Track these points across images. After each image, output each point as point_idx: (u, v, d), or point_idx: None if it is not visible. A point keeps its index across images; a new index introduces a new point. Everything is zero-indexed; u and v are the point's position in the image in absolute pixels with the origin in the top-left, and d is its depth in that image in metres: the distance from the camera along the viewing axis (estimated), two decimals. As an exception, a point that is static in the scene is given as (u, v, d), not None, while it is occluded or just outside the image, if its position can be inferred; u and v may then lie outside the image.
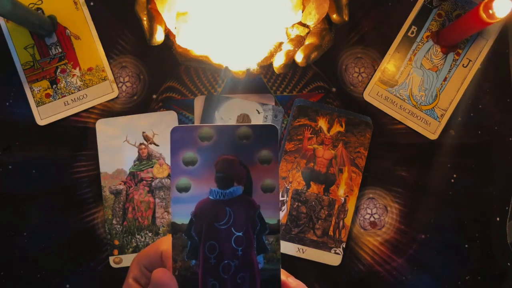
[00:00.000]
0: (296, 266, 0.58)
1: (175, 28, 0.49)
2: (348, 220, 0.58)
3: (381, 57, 0.60)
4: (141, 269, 0.32)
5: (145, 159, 0.59)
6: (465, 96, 0.59)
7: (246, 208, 0.30)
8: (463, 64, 0.59)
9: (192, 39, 0.49)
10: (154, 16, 0.49)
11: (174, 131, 0.29)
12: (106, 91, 0.59)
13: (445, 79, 0.59)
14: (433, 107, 0.59)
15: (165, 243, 0.31)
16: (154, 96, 0.60)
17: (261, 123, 0.30)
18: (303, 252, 0.57)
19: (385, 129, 0.60)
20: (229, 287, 0.29)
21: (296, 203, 0.58)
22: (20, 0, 0.54)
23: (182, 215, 0.29)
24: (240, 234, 0.30)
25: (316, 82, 0.60)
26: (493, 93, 0.59)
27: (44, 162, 0.59)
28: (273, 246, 0.30)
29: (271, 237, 0.30)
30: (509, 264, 0.58)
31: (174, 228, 0.29)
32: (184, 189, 0.29)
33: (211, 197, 0.29)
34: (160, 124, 0.59)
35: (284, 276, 0.30)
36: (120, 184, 0.58)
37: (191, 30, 0.48)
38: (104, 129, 0.59)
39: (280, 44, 0.51)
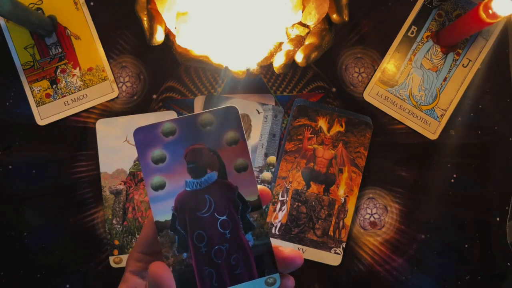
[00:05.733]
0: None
1: (175, 28, 0.49)
2: (348, 220, 0.58)
3: (381, 57, 0.60)
4: (139, 260, 0.32)
5: (145, 159, 0.59)
6: (465, 96, 0.59)
7: (225, 191, 0.30)
8: (463, 64, 0.59)
9: (192, 39, 0.49)
10: (154, 16, 0.49)
11: (136, 132, 0.29)
12: (106, 91, 0.59)
13: (445, 79, 0.59)
14: (433, 107, 0.59)
15: (151, 216, 0.32)
16: (154, 96, 0.60)
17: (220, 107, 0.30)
18: (303, 252, 0.57)
19: (385, 129, 0.60)
20: (225, 271, 0.29)
21: (296, 203, 0.58)
22: (20, 0, 0.54)
23: (163, 212, 0.29)
24: (224, 217, 0.30)
25: (316, 82, 0.60)
26: (493, 93, 0.59)
27: (44, 162, 0.59)
28: (258, 221, 0.30)
29: (255, 213, 0.30)
30: (509, 264, 0.58)
31: (158, 227, 0.29)
32: (159, 187, 0.29)
33: (188, 189, 0.30)
34: (160, 124, 0.59)
35: (275, 248, 0.30)
36: (120, 184, 0.58)
37: (191, 30, 0.48)
38: (104, 129, 0.59)
39: (280, 44, 0.51)
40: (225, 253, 0.30)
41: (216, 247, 0.30)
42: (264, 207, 0.31)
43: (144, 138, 0.30)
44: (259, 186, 0.30)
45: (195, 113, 0.30)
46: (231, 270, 0.29)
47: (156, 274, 0.28)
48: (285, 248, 0.30)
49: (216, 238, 0.30)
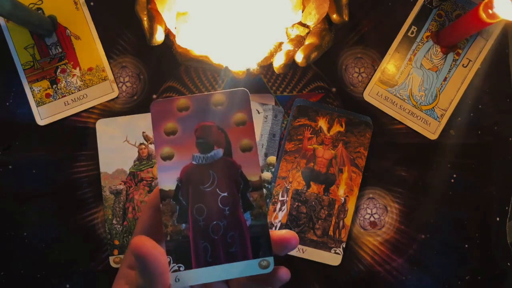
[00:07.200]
0: (296, 266, 0.58)
1: (175, 28, 0.49)
2: (348, 220, 0.58)
3: (381, 57, 0.60)
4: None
5: (145, 159, 0.59)
6: (465, 96, 0.59)
7: (228, 169, 0.31)
8: (463, 64, 0.59)
9: (192, 39, 0.49)
10: (154, 16, 0.49)
11: (153, 105, 0.32)
12: (106, 91, 0.59)
13: (445, 79, 0.59)
14: (433, 107, 0.59)
15: (148, 201, 0.33)
16: (154, 96, 0.60)
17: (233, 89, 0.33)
18: (303, 252, 0.57)
19: (385, 129, 0.60)
20: (220, 247, 0.30)
21: (296, 203, 0.58)
22: (20, 0, 0.54)
23: (168, 181, 0.31)
24: (225, 194, 0.31)
25: (316, 82, 0.60)
26: (493, 93, 0.59)
27: (44, 162, 0.59)
28: (258, 202, 0.31)
29: (255, 193, 0.31)
30: (509, 264, 0.58)
31: (162, 195, 0.31)
32: (168, 157, 0.31)
33: (194, 162, 0.31)
34: (160, 124, 0.59)
35: (271, 230, 0.31)
36: (120, 184, 0.58)
37: (191, 30, 0.48)
38: (104, 129, 0.59)
39: (280, 44, 0.51)
40: (222, 229, 0.30)
41: (214, 222, 0.31)
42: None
43: (160, 110, 0.31)
44: (284, 231, 0.31)
45: (208, 92, 0.32)
46: (226, 247, 0.30)
47: (139, 246, 0.27)
48: (280, 230, 0.31)
49: (215, 213, 0.31)
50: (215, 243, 0.30)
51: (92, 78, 0.59)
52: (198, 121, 0.31)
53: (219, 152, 0.31)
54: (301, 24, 0.51)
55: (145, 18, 0.49)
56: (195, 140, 0.31)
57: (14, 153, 0.59)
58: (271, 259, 0.30)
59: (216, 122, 0.31)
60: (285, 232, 0.30)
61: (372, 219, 0.59)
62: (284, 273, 0.30)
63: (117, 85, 0.60)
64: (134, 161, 0.59)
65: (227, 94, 0.32)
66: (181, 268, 0.30)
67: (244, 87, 0.64)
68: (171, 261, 0.30)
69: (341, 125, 0.59)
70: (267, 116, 0.59)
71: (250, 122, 0.32)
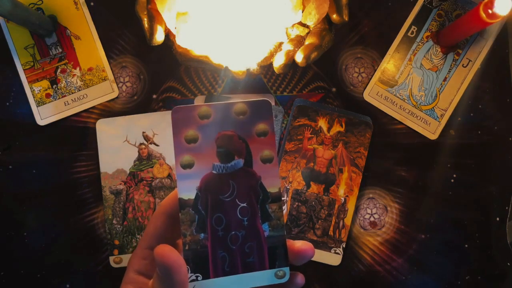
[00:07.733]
0: (296, 266, 0.58)
1: (175, 28, 0.49)
2: (348, 220, 0.58)
3: (381, 57, 0.60)
4: (145, 257, 0.32)
5: (145, 159, 0.59)
6: (465, 96, 0.59)
7: (248, 179, 0.31)
8: (463, 64, 0.59)
9: (192, 39, 0.49)
10: (154, 16, 0.49)
11: (174, 111, 0.31)
12: (106, 91, 0.59)
13: (445, 79, 0.59)
14: (433, 107, 0.59)
15: (159, 208, 0.33)
16: (154, 96, 0.60)
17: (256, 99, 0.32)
18: (303, 252, 0.57)
19: (385, 129, 0.60)
20: (238, 257, 0.30)
21: (296, 203, 0.58)
22: (20, 0, 0.54)
23: (188, 190, 0.30)
24: (244, 204, 0.31)
25: (316, 82, 0.60)
26: (493, 93, 0.59)
27: (44, 162, 0.59)
28: (276, 213, 0.31)
29: (274, 205, 0.31)
30: (509, 264, 0.58)
31: (181, 204, 0.30)
32: (188, 165, 0.31)
33: (214, 172, 0.31)
34: (160, 124, 0.59)
35: (287, 240, 0.31)
36: (120, 184, 0.58)
37: (191, 30, 0.48)
38: (104, 129, 0.59)
39: (280, 44, 0.51)
40: (240, 239, 0.30)
41: (233, 232, 0.30)
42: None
43: (181, 117, 0.31)
44: (301, 242, 0.31)
45: (231, 101, 0.32)
46: (244, 257, 0.30)
47: (164, 255, 0.28)
48: (297, 241, 0.31)
49: (233, 224, 0.31)
50: (233, 253, 0.30)
51: (92, 78, 0.59)
52: (219, 130, 0.31)
53: (239, 162, 0.31)
54: (301, 24, 0.51)
55: (145, 18, 0.49)
56: (216, 149, 0.31)
57: (14, 153, 0.59)
58: (287, 270, 0.30)
59: (238, 131, 0.31)
60: (301, 244, 0.31)
61: (372, 219, 0.59)
62: (300, 278, 0.31)
63: (117, 85, 0.60)
64: (134, 161, 0.59)
65: (249, 104, 0.31)
66: (198, 278, 0.30)
67: (244, 87, 0.64)
68: (189, 271, 0.30)
69: (341, 125, 0.59)
70: (267, 116, 0.59)
71: (272, 133, 0.31)
